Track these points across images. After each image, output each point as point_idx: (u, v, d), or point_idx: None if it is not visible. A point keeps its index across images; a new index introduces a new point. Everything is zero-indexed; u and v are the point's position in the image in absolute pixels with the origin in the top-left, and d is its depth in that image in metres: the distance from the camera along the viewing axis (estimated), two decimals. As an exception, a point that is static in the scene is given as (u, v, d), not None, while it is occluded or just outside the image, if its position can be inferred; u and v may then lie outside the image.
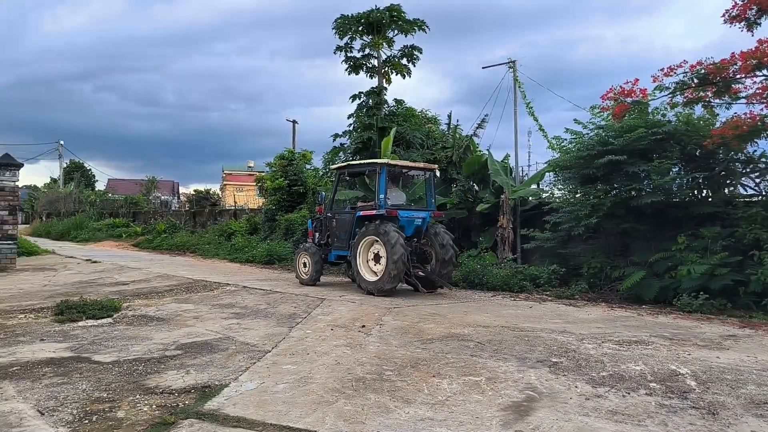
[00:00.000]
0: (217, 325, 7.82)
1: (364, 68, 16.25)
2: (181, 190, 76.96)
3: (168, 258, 21.11)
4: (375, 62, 16.26)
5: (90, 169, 63.40)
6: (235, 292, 10.95)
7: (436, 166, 13.28)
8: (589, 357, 6.04)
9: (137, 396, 4.93)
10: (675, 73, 9.54)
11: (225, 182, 75.95)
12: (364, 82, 16.43)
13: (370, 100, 16.03)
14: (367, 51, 16.13)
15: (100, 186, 65.83)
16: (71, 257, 19.33)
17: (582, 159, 11.37)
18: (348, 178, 14.34)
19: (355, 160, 15.54)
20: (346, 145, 16.16)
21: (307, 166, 21.41)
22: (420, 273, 11.29)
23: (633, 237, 11.16)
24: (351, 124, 16.10)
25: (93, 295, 10.72)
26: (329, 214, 12.95)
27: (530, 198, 14.46)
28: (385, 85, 16.16)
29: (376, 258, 11.03)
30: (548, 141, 13.39)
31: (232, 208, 29.00)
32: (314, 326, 7.70)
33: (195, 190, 41.69)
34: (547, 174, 14.42)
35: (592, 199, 11.44)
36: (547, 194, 13.90)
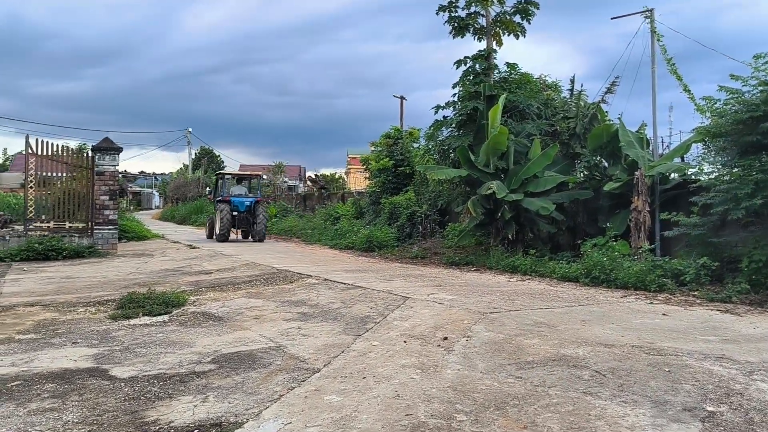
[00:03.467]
0: (274, 330, 6.56)
1: (471, 29, 14.26)
2: (309, 174, 78.74)
3: (270, 243, 20.57)
4: (483, 21, 14.25)
5: (219, 156, 65.88)
6: (313, 286, 9.69)
7: (260, 173, 25.85)
8: (764, 405, 4.03)
9: (123, 436, 3.71)
10: None
11: (349, 166, 76.81)
12: (473, 47, 14.50)
13: (477, 65, 14.06)
14: (473, 9, 14.12)
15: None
16: (176, 242, 19.32)
17: (742, 123, 8.94)
18: (224, 179, 23.86)
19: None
20: (449, 118, 14.35)
21: (415, 145, 19.89)
22: (242, 232, 22.07)
23: (813, 222, 8.61)
24: (455, 94, 14.28)
25: (171, 285, 10.05)
26: (214, 200, 22.93)
27: (672, 174, 11.96)
28: (495, 47, 14.11)
29: None
30: (695, 104, 10.88)
31: (341, 191, 28.17)
32: (386, 335, 6.19)
33: (315, 174, 41.67)
34: (694, 145, 11.85)
35: (755, 174, 8.96)
36: (694, 169, 11.32)
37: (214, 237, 21.01)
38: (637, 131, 13.06)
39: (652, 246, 11.07)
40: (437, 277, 11.03)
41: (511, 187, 12.63)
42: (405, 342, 5.86)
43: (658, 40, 11.96)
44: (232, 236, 21.84)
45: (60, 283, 10.43)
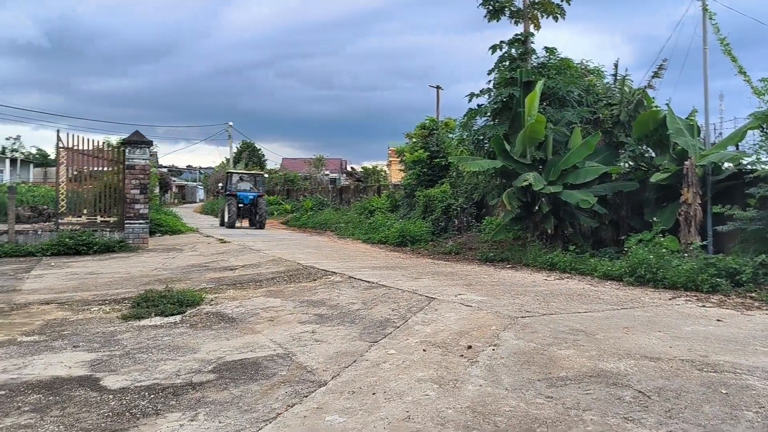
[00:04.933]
0: (286, 334, 6.11)
1: (507, 12, 13.50)
2: (349, 167, 78.57)
3: (302, 237, 20.27)
4: (520, 3, 13.44)
5: (260, 149, 66.25)
6: (335, 285, 9.20)
7: (263, 172, 35.03)
8: None
9: (92, 464, 3.30)
10: None
11: (390, 159, 76.41)
12: (514, 32, 13.62)
13: (513, 50, 13.27)
14: (509, -11, 13.30)
15: (271, 165, 68.83)
16: (209, 236, 19.13)
17: (808, 106, 8.03)
18: (232, 177, 27.91)
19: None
20: (483, 106, 13.61)
21: (451, 136, 19.20)
22: (248, 220, 25.97)
23: None
24: (490, 81, 13.52)
25: (192, 282, 9.75)
26: (224, 194, 27.54)
27: (726, 164, 11.03)
28: (532, 30, 13.29)
29: None
30: (751, 86, 9.95)
31: (377, 184, 27.75)
32: (404, 342, 5.65)
33: (351, 167, 41.38)
34: (750, 132, 10.88)
35: (822, 163, 8.08)
36: (750, 159, 10.38)
37: (225, 224, 25.49)
38: (686, 118, 12.14)
39: (704, 242, 10.22)
40: (468, 275, 10.40)
41: (549, 179, 11.87)
42: (424, 351, 5.31)
43: (710, 18, 11.03)
44: (239, 224, 26.22)
45: (82, 279, 10.22)
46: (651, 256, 9.29)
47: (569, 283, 9.47)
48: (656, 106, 12.91)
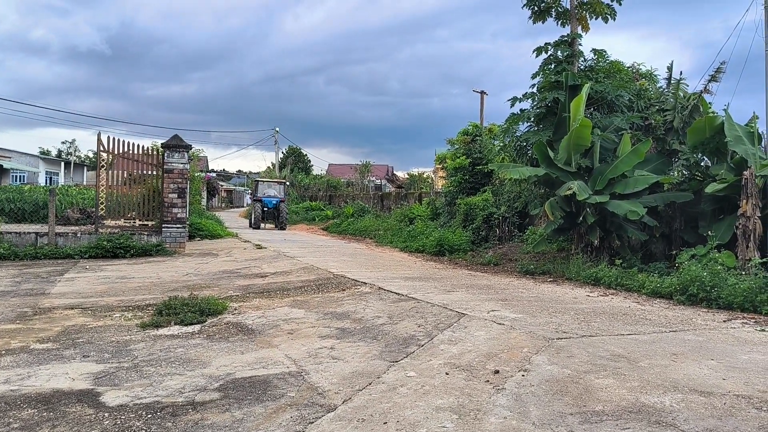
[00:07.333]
0: (303, 349, 5.76)
1: (553, 13, 12.91)
2: (396, 173, 78.48)
3: (340, 244, 19.95)
4: (567, 4, 12.81)
5: (306, 155, 66.66)
6: (363, 296, 8.80)
7: (285, 180, 36.55)
8: None
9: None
10: None
11: (437, 165, 75.84)
12: (558, 35, 13.03)
13: (560, 53, 12.66)
14: (556, -11, 12.70)
15: (317, 170, 69.29)
16: (247, 241, 19.02)
17: None
18: (259, 184, 31.68)
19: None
20: (526, 111, 13.02)
21: (495, 142, 18.63)
22: (270, 222, 29.52)
23: None
24: (534, 85, 12.93)
25: (220, 289, 9.56)
26: (253, 199, 30.91)
27: (789, 174, 10.22)
28: (580, 32, 12.64)
29: None
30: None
31: (418, 191, 27.33)
32: (426, 363, 5.21)
33: (393, 174, 41.07)
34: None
35: None
36: (818, 168, 9.56)
37: (252, 226, 28.87)
38: (746, 125, 11.34)
39: (764, 259, 9.42)
40: (505, 288, 9.85)
41: (595, 188, 11.22)
42: (447, 374, 4.86)
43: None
44: (264, 226, 29.49)
45: (112, 283, 10.13)
46: (705, 273, 8.58)
47: (614, 300, 8.84)
48: (713, 112, 12.14)
